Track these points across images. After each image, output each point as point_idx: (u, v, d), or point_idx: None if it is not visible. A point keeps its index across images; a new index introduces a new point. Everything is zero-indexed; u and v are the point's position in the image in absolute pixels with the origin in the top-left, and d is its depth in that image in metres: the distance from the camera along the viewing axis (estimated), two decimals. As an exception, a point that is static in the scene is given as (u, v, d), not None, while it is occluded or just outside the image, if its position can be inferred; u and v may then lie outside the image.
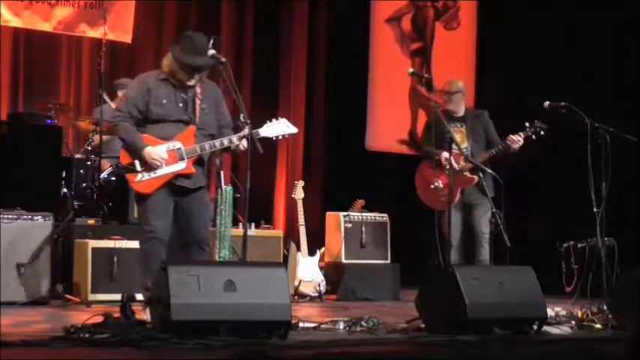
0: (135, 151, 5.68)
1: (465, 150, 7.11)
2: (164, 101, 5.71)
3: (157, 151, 5.65)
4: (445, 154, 6.89)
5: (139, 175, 5.68)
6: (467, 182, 7.07)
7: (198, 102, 5.77)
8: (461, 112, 7.32)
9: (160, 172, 5.67)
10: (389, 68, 10.94)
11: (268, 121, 5.90)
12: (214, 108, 5.87)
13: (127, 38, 9.41)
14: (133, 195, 5.88)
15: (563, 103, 6.73)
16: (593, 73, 9.84)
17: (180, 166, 5.71)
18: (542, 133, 7.05)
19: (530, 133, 7.06)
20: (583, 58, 9.99)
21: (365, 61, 10.91)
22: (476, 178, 7.02)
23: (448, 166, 6.87)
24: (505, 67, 10.47)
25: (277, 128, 5.89)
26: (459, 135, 7.19)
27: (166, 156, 5.66)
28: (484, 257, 7.06)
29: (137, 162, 5.68)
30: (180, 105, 5.74)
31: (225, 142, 5.77)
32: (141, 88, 5.77)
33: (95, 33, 9.03)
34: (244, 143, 5.71)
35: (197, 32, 5.84)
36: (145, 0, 9.62)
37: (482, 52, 11.33)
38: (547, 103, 6.81)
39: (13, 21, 8.88)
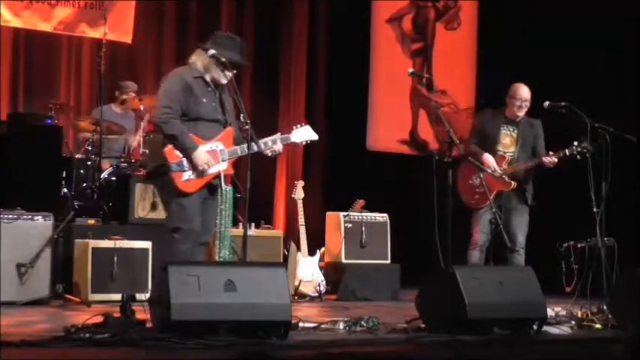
0: (184, 150, 5.61)
1: (510, 154, 7.13)
2: (203, 100, 5.69)
3: (204, 153, 5.62)
4: (488, 157, 6.99)
5: (186, 175, 5.63)
6: (505, 186, 7.06)
7: (225, 102, 5.80)
8: (519, 118, 7.25)
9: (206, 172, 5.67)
10: (389, 68, 10.93)
11: (295, 127, 6.00)
12: (232, 109, 5.90)
13: (127, 38, 9.40)
14: (171, 194, 5.66)
15: (563, 103, 6.73)
16: (593, 73, 9.83)
17: (222, 167, 5.73)
18: (587, 155, 6.76)
19: (575, 152, 6.88)
20: (583, 57, 9.98)
21: (365, 61, 10.90)
22: (514, 183, 7.02)
23: (491, 169, 6.96)
24: (505, 67, 10.45)
25: (304, 134, 6.00)
26: (508, 139, 7.20)
27: (212, 159, 5.65)
28: (518, 262, 7.02)
29: (185, 160, 5.63)
30: (214, 104, 5.74)
31: (262, 145, 5.76)
32: (181, 85, 5.67)
33: (95, 33, 9.03)
34: (278, 147, 5.74)
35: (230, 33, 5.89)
36: (145, 0, 9.61)
37: (482, 53, 11.32)
38: (547, 103, 6.82)
39: (13, 21, 8.87)
